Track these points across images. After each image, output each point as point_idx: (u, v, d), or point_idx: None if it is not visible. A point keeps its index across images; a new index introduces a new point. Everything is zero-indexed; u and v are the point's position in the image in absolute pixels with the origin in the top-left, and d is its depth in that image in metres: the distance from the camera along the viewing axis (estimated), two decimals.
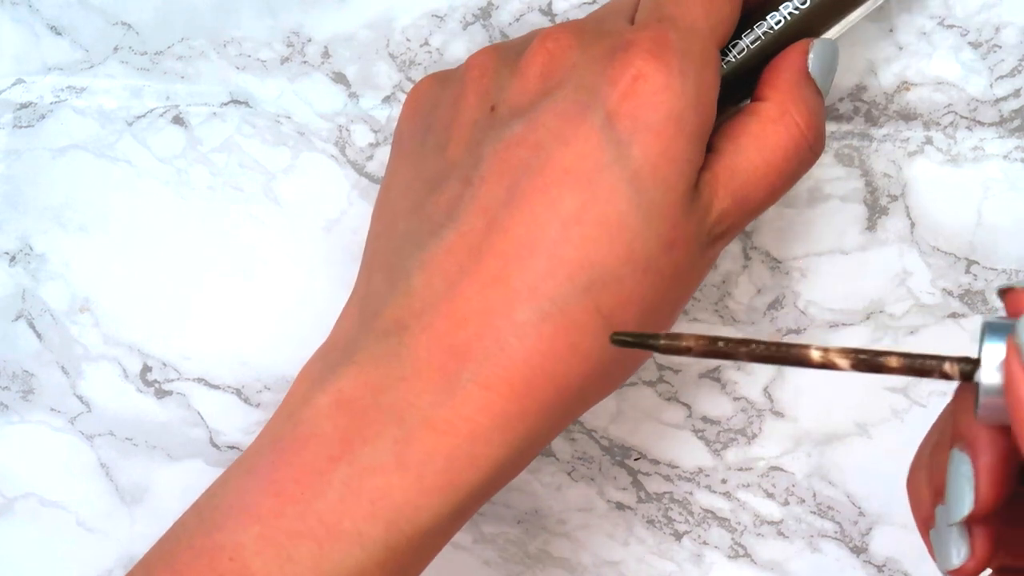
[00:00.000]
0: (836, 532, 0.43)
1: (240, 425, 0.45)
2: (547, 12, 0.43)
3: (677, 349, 0.28)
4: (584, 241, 0.33)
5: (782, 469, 0.43)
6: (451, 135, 0.36)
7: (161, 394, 0.45)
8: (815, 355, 0.28)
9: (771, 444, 0.43)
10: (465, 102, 0.36)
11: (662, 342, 0.28)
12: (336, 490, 0.33)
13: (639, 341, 0.28)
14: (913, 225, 0.42)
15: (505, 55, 0.37)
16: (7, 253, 0.46)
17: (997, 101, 0.41)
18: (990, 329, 0.28)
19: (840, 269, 0.42)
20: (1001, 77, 0.41)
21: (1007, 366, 0.26)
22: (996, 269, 0.42)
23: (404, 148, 0.38)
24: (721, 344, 0.28)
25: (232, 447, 0.45)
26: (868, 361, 0.28)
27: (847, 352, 0.28)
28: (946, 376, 0.28)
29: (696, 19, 0.35)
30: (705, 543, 0.44)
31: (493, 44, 0.39)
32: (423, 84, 0.39)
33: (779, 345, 0.28)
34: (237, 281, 0.45)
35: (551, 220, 0.33)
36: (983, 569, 0.30)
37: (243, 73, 0.44)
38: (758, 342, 0.28)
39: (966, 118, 0.41)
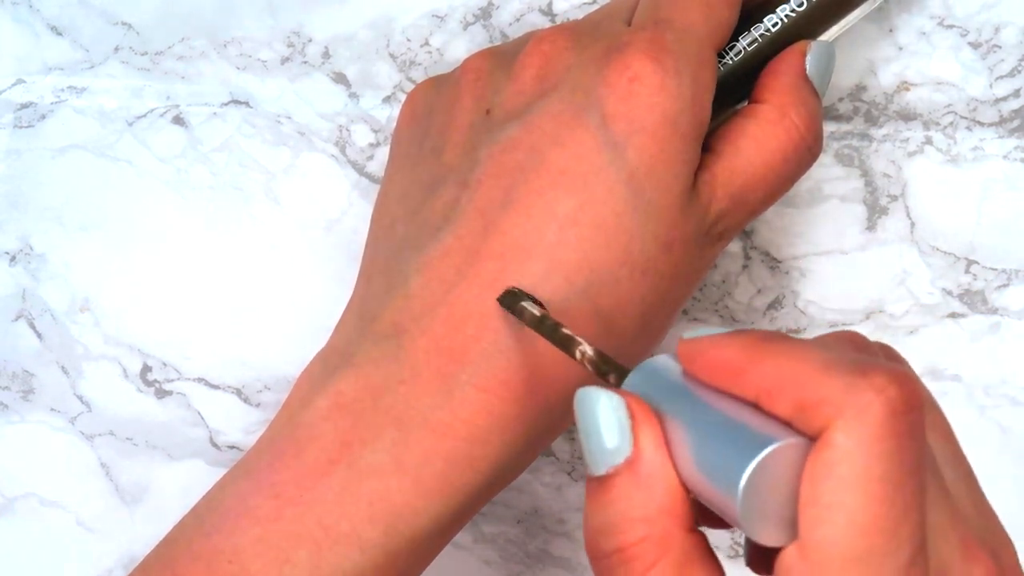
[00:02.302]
0: None
1: (240, 425, 0.45)
2: (547, 12, 0.43)
3: (525, 320, 0.32)
4: (581, 243, 0.33)
5: None
6: (447, 139, 0.36)
7: (161, 394, 0.45)
8: (576, 354, 0.30)
9: None
10: (461, 106, 0.36)
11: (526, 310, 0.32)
12: (335, 492, 0.33)
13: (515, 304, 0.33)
14: (913, 225, 0.42)
15: (500, 58, 0.37)
16: (7, 253, 0.46)
17: (997, 101, 0.41)
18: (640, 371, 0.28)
19: (840, 269, 0.42)
20: (1001, 77, 0.41)
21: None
22: (996, 269, 0.42)
23: (401, 152, 0.38)
24: (548, 322, 0.31)
25: (232, 447, 0.45)
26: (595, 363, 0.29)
27: (594, 358, 0.29)
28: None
29: (693, 21, 0.35)
30: None
31: (488, 47, 0.39)
32: (420, 88, 0.39)
33: (564, 337, 0.30)
34: (237, 281, 0.45)
35: (548, 222, 0.33)
36: None
37: (243, 73, 0.44)
38: (559, 330, 0.31)
39: (966, 118, 0.41)
